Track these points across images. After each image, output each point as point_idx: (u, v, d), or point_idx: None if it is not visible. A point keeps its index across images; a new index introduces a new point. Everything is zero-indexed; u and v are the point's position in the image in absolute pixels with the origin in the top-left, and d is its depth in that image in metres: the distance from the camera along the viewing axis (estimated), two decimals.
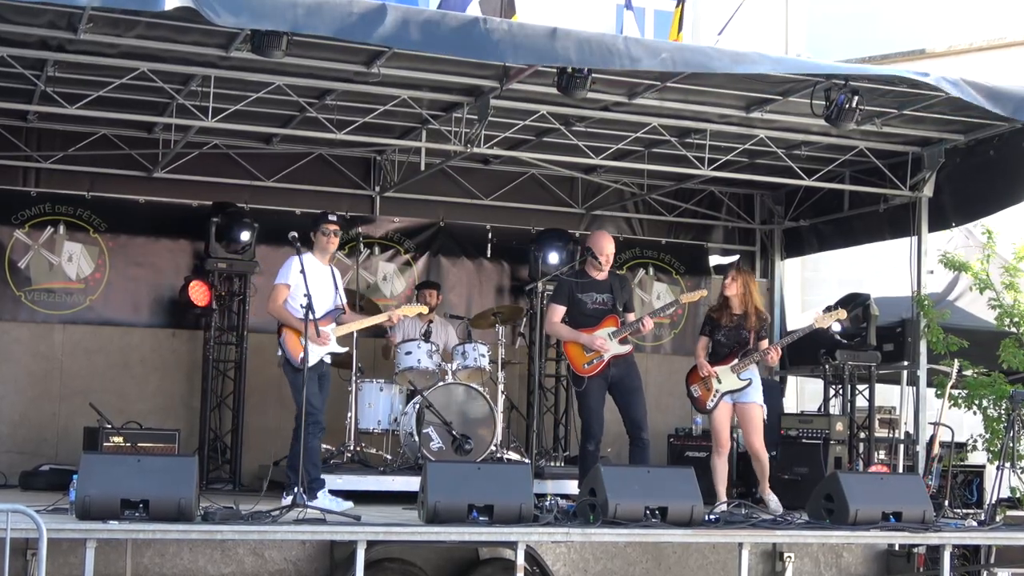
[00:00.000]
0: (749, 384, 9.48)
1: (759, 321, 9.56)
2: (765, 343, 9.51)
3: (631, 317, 9.41)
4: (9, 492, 9.73)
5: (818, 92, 9.68)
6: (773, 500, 9.52)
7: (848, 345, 11.76)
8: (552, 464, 11.16)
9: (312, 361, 8.75)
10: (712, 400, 9.43)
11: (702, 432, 10.55)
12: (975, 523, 9.50)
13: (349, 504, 8.65)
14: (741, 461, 11.06)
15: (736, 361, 9.43)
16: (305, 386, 8.41)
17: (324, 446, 10.71)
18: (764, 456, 9.59)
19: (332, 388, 10.92)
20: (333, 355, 9.12)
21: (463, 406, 10.47)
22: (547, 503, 8.34)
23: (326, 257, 9.12)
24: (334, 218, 9.20)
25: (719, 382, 9.44)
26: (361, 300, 11.20)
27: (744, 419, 9.53)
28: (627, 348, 9.35)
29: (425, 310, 10.17)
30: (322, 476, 9.00)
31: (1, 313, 11.28)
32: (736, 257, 14.13)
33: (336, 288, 9.06)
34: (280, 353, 8.95)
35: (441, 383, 10.51)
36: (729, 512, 8.81)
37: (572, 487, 9.75)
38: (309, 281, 8.61)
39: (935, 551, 8.86)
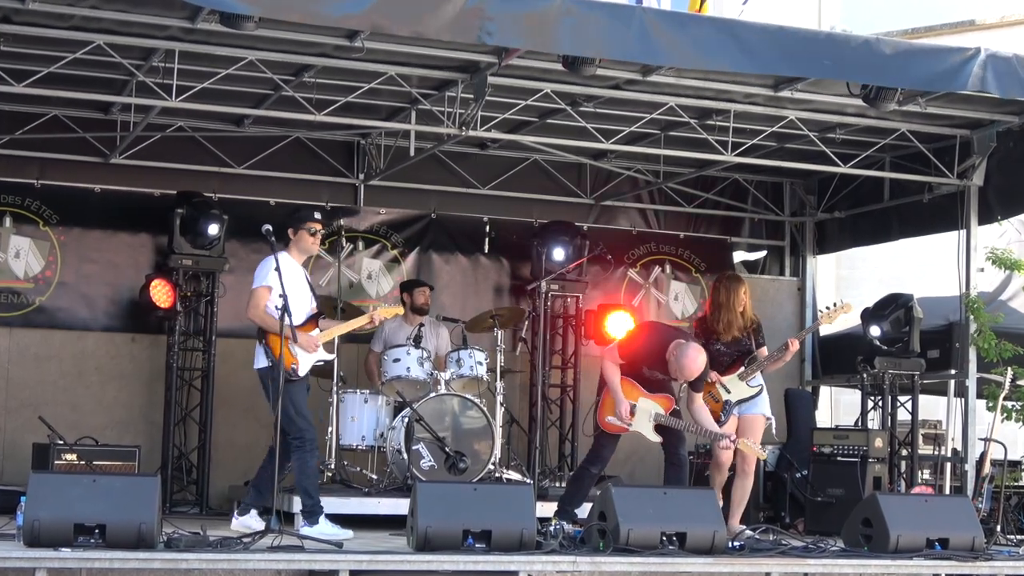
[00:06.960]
0: (760, 392, 9.44)
1: (755, 328, 9.51)
2: (764, 350, 9.46)
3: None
4: None
5: None
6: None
7: (888, 352, 11.74)
8: (557, 484, 11.16)
9: (304, 370, 8.85)
10: (724, 414, 9.28)
11: None
12: None
13: (348, 533, 8.66)
14: (769, 481, 11.06)
15: (743, 368, 9.39)
16: (282, 396, 8.40)
17: None
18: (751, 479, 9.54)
19: (310, 400, 10.97)
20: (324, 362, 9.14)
21: (457, 420, 10.48)
22: (551, 528, 8.35)
23: (303, 257, 9.11)
24: (319, 216, 9.13)
25: (727, 392, 9.34)
26: (342, 303, 11.19)
27: (747, 432, 9.35)
28: (657, 438, 9.07)
29: (402, 311, 10.15)
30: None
31: None
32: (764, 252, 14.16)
33: (312, 290, 9.05)
34: (266, 364, 8.83)
35: (433, 394, 10.50)
36: (755, 539, 8.80)
37: (580, 511, 9.73)
38: (287, 282, 8.61)
39: None
